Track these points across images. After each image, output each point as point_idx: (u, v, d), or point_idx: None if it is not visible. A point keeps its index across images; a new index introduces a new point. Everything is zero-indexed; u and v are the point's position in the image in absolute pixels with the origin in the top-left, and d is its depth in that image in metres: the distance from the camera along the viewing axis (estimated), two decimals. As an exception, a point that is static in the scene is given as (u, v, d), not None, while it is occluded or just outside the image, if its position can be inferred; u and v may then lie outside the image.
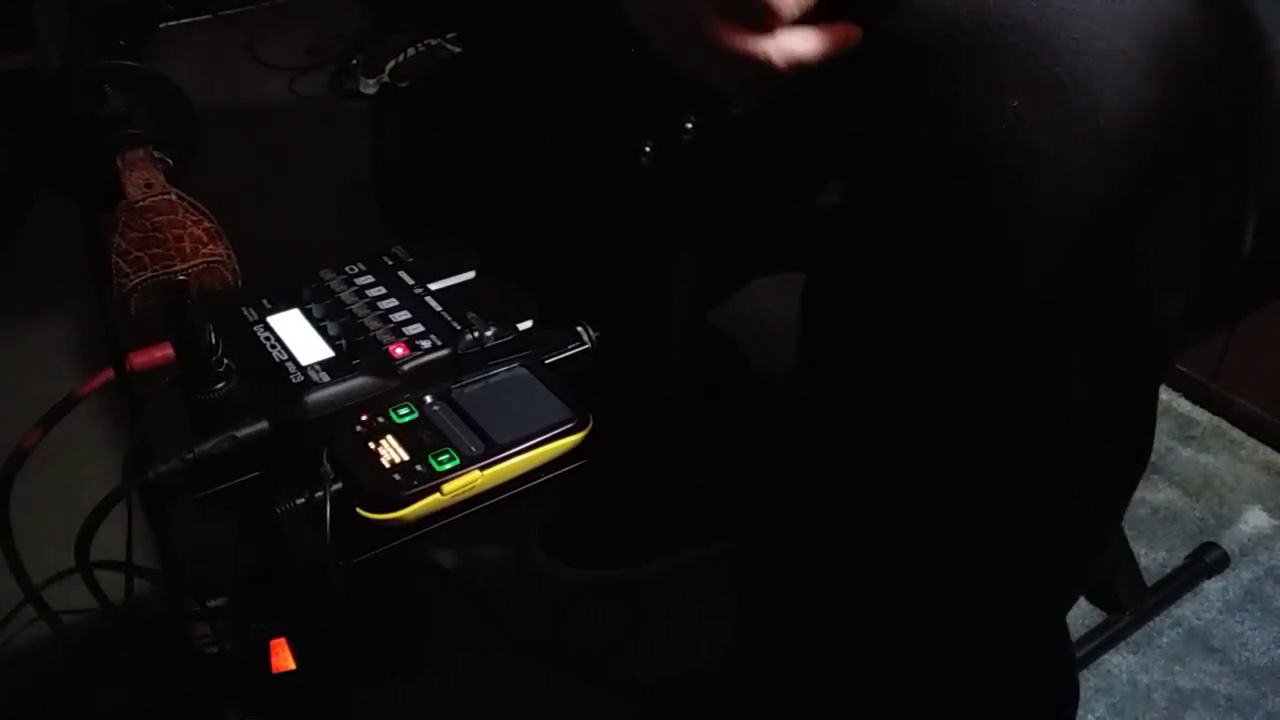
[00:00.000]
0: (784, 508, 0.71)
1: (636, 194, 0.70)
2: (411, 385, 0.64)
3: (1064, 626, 0.70)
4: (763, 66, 0.56)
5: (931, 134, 0.51)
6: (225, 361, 0.62)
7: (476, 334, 0.66)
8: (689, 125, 0.72)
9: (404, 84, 1.99)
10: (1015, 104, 0.48)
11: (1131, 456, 0.63)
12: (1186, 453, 1.23)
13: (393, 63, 2.03)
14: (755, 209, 0.79)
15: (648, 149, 0.72)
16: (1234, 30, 0.51)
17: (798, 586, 0.72)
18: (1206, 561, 1.07)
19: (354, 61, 2.10)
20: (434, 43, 2.03)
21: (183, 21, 2.41)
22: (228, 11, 2.45)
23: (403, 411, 0.62)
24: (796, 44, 0.56)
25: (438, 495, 0.58)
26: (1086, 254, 0.51)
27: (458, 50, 1.97)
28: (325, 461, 0.59)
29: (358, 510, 0.59)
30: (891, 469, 0.60)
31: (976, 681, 0.68)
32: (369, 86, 2.04)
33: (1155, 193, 0.51)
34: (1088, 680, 0.98)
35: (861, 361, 0.58)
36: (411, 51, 2.03)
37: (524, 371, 0.66)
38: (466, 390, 0.64)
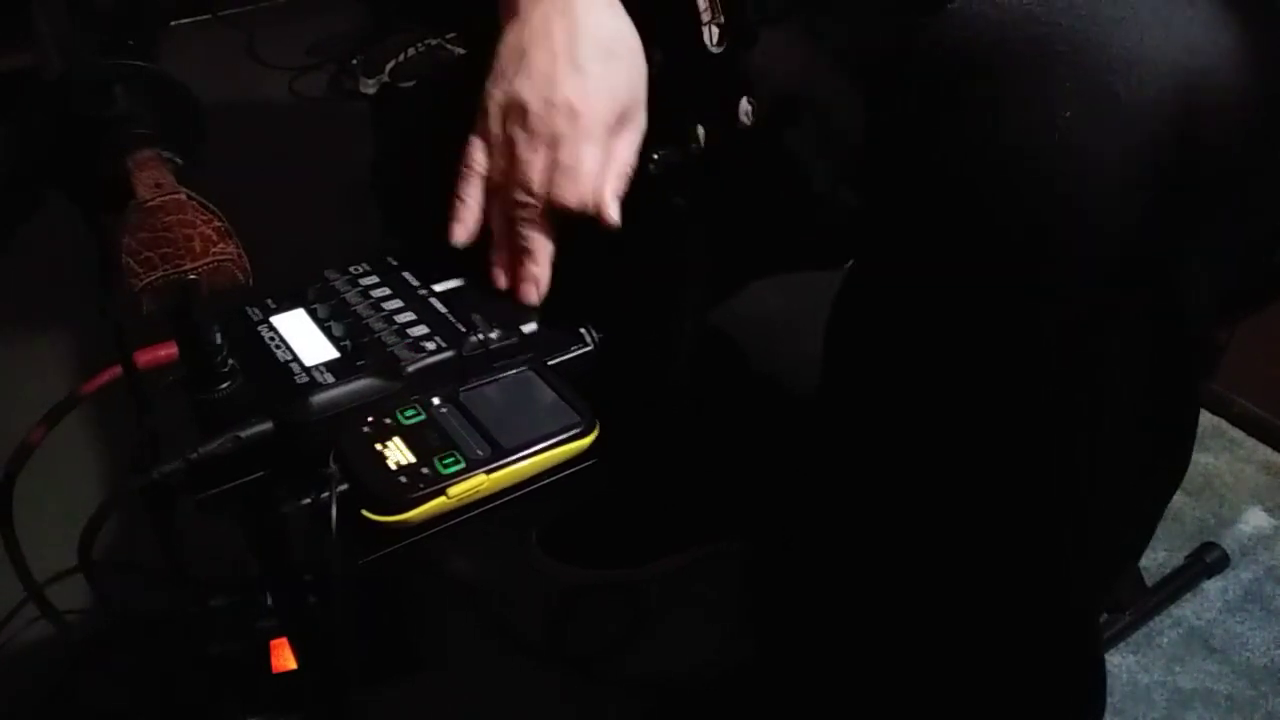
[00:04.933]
0: (804, 509, 0.71)
1: (644, 203, 0.70)
2: (415, 387, 0.64)
3: (1097, 630, 0.69)
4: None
5: (979, 144, 0.50)
6: (229, 361, 0.62)
7: (481, 336, 0.66)
8: (698, 135, 0.72)
9: (404, 84, 1.99)
10: (1068, 114, 0.48)
11: (1170, 464, 0.62)
12: (1186, 453, 1.24)
13: (393, 63, 2.03)
14: (763, 216, 0.79)
15: (656, 158, 0.72)
16: (1270, 54, 0.51)
17: (817, 585, 0.72)
18: (1206, 561, 1.07)
19: (354, 61, 2.10)
20: (434, 43, 2.02)
21: (183, 21, 2.41)
22: (228, 11, 2.45)
23: (409, 413, 0.62)
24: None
25: (443, 499, 0.58)
26: (1137, 265, 0.50)
27: (458, 50, 1.97)
28: (332, 462, 0.59)
29: (362, 512, 0.59)
30: (925, 474, 0.59)
31: (1000, 681, 0.68)
32: (369, 86, 2.04)
33: (1206, 204, 0.50)
34: (1088, 680, 0.98)
35: (899, 366, 0.58)
36: (411, 51, 2.03)
37: (532, 374, 0.66)
38: (474, 393, 0.64)
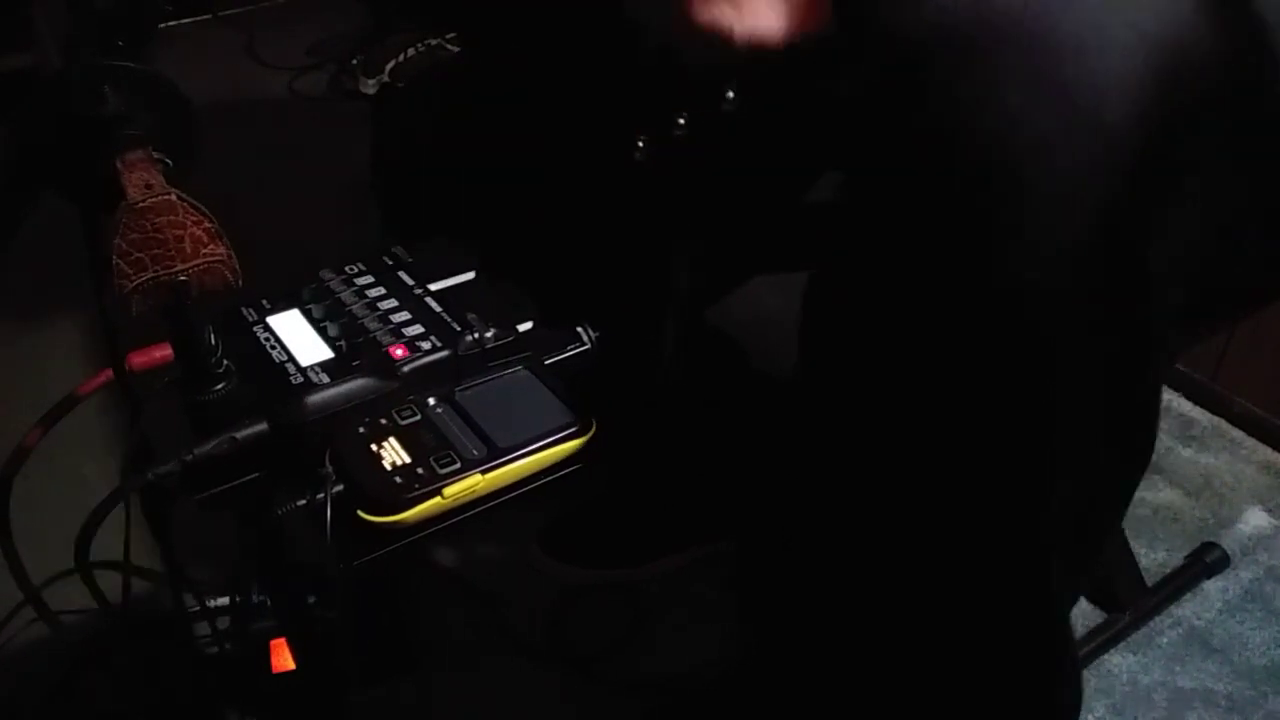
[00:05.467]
0: (785, 506, 0.71)
1: (631, 189, 0.70)
2: (411, 387, 0.64)
3: (1068, 626, 0.70)
4: (724, 38, 0.57)
5: (931, 131, 0.50)
6: (225, 362, 0.62)
7: (476, 335, 0.66)
8: (681, 121, 0.72)
9: (404, 84, 1.99)
10: (1016, 100, 0.48)
11: (1135, 451, 0.62)
12: (1186, 453, 1.23)
13: (393, 63, 2.03)
14: (749, 204, 0.78)
15: (641, 144, 0.72)
16: (1237, 29, 0.51)
17: (798, 584, 0.72)
18: (1206, 561, 1.07)
19: (354, 61, 2.10)
20: (434, 43, 2.03)
21: (183, 21, 2.41)
22: (228, 11, 2.45)
23: (405, 413, 0.62)
24: (760, 21, 0.57)
25: (439, 499, 0.58)
26: (1090, 248, 0.50)
27: (458, 50, 1.97)
28: (327, 463, 0.59)
29: (358, 513, 0.59)
30: (893, 463, 0.59)
31: (977, 677, 0.68)
32: (369, 86, 2.04)
33: (1157, 187, 0.50)
34: (1088, 680, 0.98)
35: (863, 355, 0.58)
36: (411, 51, 2.03)
37: (527, 374, 0.66)
38: (469, 392, 0.64)
